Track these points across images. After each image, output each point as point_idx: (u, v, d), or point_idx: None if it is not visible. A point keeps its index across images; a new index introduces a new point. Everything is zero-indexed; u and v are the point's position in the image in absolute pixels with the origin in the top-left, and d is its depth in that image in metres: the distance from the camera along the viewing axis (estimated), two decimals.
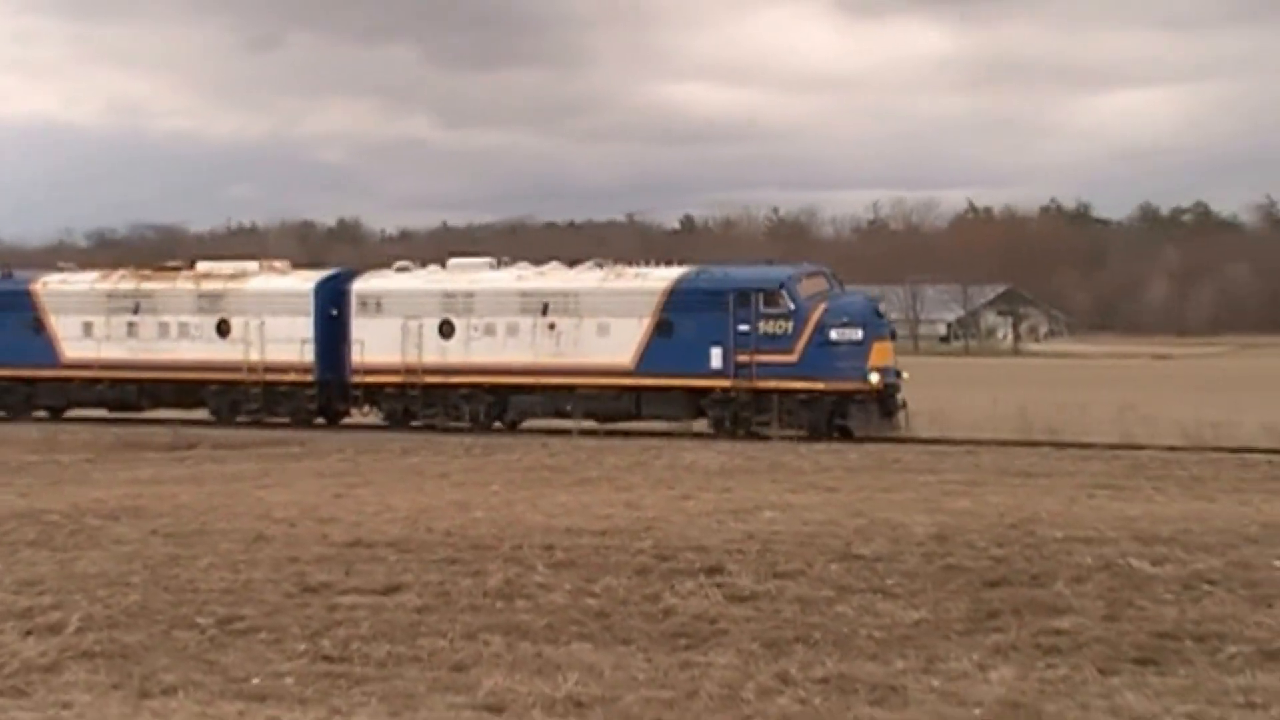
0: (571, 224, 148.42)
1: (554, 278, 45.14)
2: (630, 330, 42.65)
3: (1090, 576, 17.89)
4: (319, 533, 21.90)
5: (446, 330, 44.57)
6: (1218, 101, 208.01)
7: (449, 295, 44.94)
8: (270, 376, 45.89)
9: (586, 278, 44.65)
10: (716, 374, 41.67)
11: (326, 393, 46.13)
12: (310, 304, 46.17)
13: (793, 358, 40.97)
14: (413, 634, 15.14)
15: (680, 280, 43.16)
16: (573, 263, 46.19)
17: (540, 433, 42.96)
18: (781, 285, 41.82)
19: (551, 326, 43.49)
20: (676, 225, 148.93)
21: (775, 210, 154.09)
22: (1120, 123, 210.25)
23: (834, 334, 40.95)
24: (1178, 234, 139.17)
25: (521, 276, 45.38)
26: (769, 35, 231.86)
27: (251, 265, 48.78)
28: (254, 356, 45.85)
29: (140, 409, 48.02)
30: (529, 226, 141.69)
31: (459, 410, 44.31)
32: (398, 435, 42.11)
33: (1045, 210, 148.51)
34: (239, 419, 45.92)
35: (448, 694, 12.81)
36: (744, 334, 41.35)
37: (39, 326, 48.65)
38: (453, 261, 47.09)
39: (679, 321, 42.39)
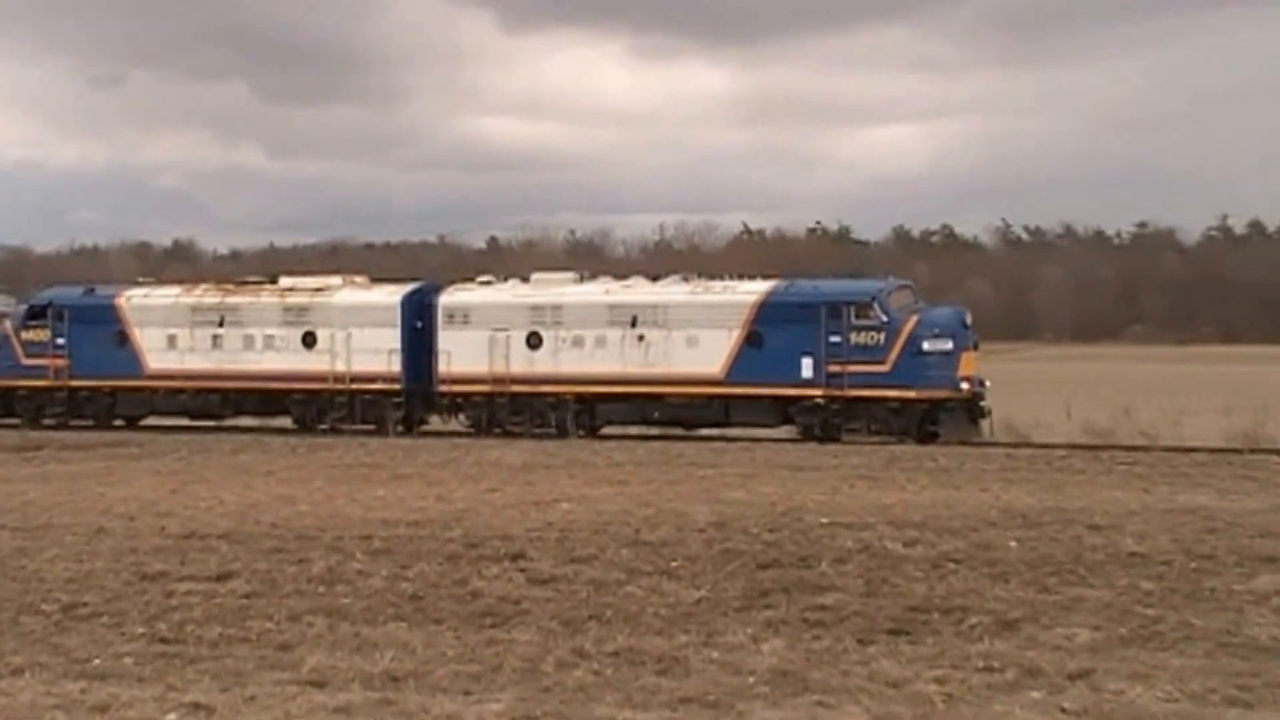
0: (388, 244, 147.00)
1: (642, 291, 43.16)
2: (720, 341, 40.96)
3: (851, 558, 18.16)
4: (156, 526, 21.54)
5: (534, 341, 42.62)
6: (960, 136, 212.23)
7: (537, 308, 42.99)
8: (356, 386, 43.89)
9: (675, 291, 42.62)
10: (808, 383, 39.91)
11: (411, 401, 44.21)
12: (397, 316, 44.14)
13: (885, 367, 39.35)
14: (242, 617, 14.95)
15: (770, 293, 41.42)
16: (655, 277, 44.35)
17: (361, 434, 42.61)
18: (873, 298, 40.18)
19: (640, 338, 41.65)
20: (483, 245, 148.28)
21: (572, 232, 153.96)
22: (877, 155, 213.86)
23: (926, 345, 39.41)
24: (927, 253, 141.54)
25: (609, 290, 43.44)
26: (569, 75, 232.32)
27: (334, 279, 46.64)
28: (340, 366, 43.92)
29: (222, 417, 45.78)
30: (349, 247, 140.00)
31: (545, 418, 42.40)
32: (227, 438, 41.47)
33: (811, 232, 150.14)
34: (321, 426, 43.70)
35: (274, 671, 12.68)
36: (836, 344, 39.71)
37: (123, 339, 46.25)
38: (536, 276, 45.12)
39: (769, 333, 40.63)
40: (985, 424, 39.60)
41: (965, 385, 39.25)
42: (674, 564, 17.83)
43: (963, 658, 12.93)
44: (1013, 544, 19.19)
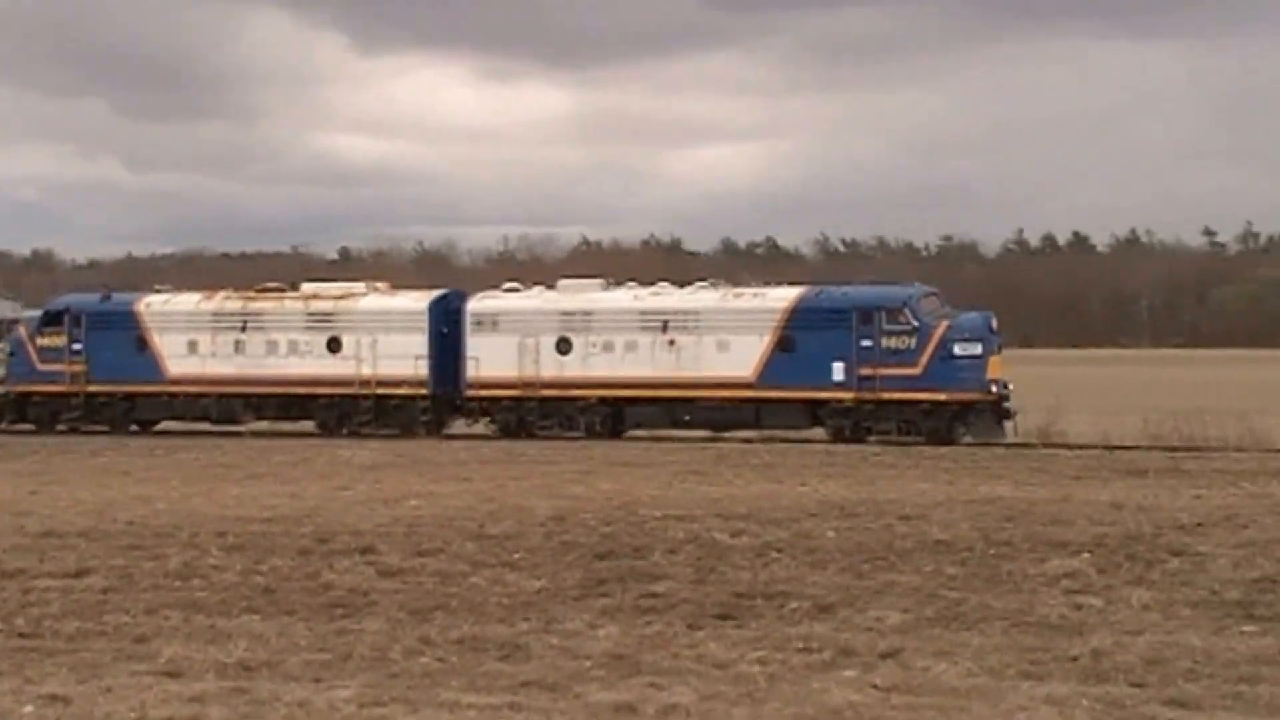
0: (243, 254, 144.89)
1: (672, 297, 41.89)
2: (751, 346, 39.74)
3: (681, 548, 18.26)
4: (15, 525, 20.99)
5: (564, 347, 41.30)
6: (783, 155, 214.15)
7: (567, 314, 41.73)
8: (382, 390, 42.31)
9: (705, 297, 41.53)
10: (839, 386, 38.84)
11: (438, 405, 42.76)
12: (425, 321, 42.71)
13: (916, 371, 38.33)
14: (99, 611, 14.62)
15: (801, 299, 40.42)
16: (682, 284, 43.15)
17: (216, 435, 42.01)
18: (905, 303, 39.29)
19: (671, 343, 40.46)
20: (335, 255, 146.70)
21: (420, 243, 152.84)
22: (706, 171, 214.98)
23: (957, 349, 38.45)
24: (753, 264, 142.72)
25: (639, 296, 42.16)
26: (418, 95, 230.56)
27: (358, 286, 45.25)
28: (366, 371, 42.37)
29: (243, 421, 43.66)
30: (205, 256, 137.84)
31: (573, 421, 41.16)
32: (87, 439, 40.63)
33: (646, 244, 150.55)
34: (345, 430, 42.24)
35: (131, 663, 12.42)
36: (867, 349, 38.66)
37: (142, 344, 44.41)
38: (563, 282, 43.80)
39: (801, 337, 39.59)
40: (1009, 425, 38.77)
41: (993, 388, 38.45)
42: (516, 556, 17.79)
43: (784, 640, 13.02)
44: (830, 533, 19.43)
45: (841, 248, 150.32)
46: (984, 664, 11.98)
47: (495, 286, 44.49)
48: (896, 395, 38.42)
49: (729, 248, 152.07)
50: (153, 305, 45.31)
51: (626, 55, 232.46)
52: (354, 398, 42.55)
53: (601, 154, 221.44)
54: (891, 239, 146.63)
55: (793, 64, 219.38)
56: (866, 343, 38.61)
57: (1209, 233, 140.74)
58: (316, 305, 43.90)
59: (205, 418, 44.08)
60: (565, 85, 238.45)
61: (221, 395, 43.59)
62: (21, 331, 45.97)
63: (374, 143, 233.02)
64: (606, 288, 43.11)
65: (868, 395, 38.60)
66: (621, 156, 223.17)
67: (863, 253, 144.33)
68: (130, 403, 44.67)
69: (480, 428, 42.78)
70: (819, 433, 39.21)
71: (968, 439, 37.93)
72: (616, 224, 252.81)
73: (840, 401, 38.89)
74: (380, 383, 42.24)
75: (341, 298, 44.07)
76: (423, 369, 42.05)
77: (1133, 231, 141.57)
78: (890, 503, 22.92)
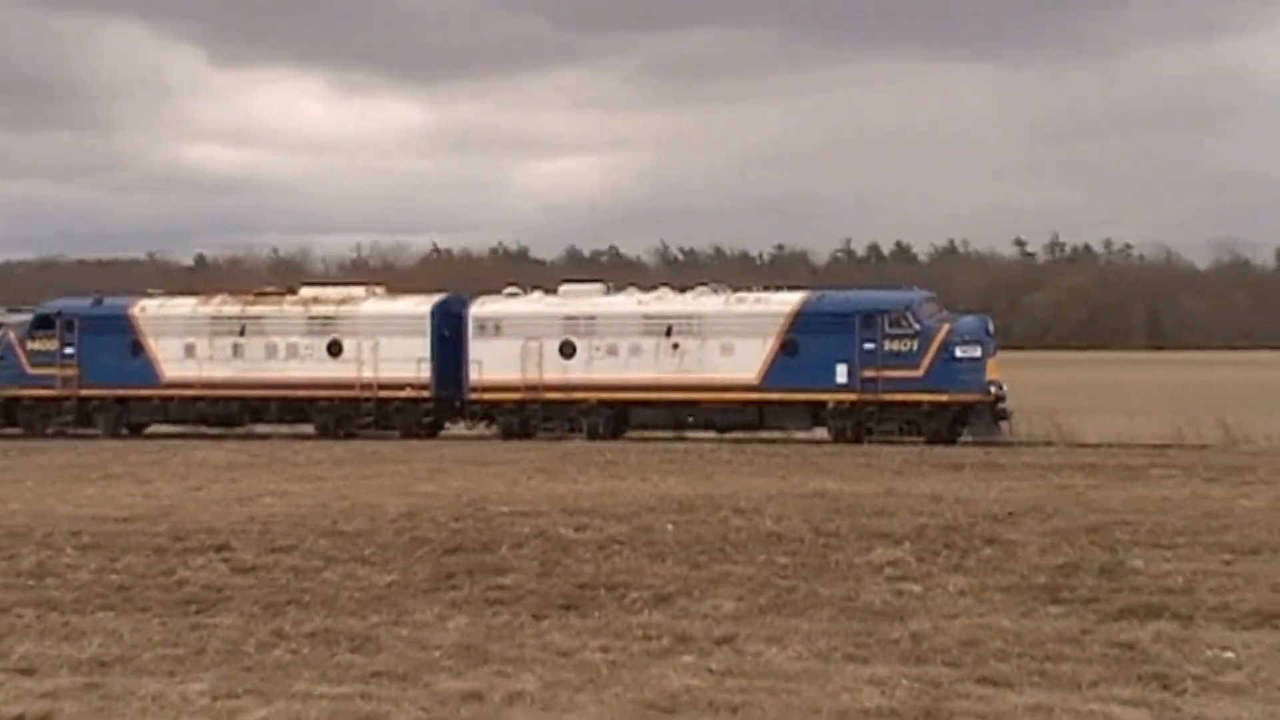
0: (99, 261, 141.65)
1: (676, 302, 41.13)
2: (755, 349, 39.11)
3: (528, 543, 18.20)
4: None
5: (568, 350, 40.44)
6: (626, 168, 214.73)
7: (570, 318, 40.89)
8: (384, 393, 41.24)
9: (709, 302, 40.71)
10: (842, 388, 38.30)
11: (440, 408, 41.93)
12: (427, 325, 41.63)
13: (918, 373, 37.91)
14: None
15: (804, 304, 39.77)
16: (683, 289, 42.30)
17: (77, 438, 41.05)
18: (908, 307, 38.86)
19: (675, 346, 39.76)
20: (191, 262, 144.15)
21: (275, 250, 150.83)
22: (552, 183, 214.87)
23: (958, 351, 38.08)
24: (596, 271, 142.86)
25: (642, 301, 41.44)
26: (274, 107, 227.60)
27: (358, 290, 44.05)
28: (367, 374, 41.26)
29: (241, 424, 42.60)
30: (60, 263, 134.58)
31: (576, 423, 40.36)
32: None
33: (494, 251, 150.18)
34: (344, 432, 41.07)
35: None
36: (870, 351, 38.13)
37: (137, 349, 42.90)
38: (564, 288, 42.99)
39: (804, 341, 38.97)
40: (1005, 425, 38.54)
41: (992, 389, 38.26)
42: (368, 551, 17.60)
43: (625, 628, 13.04)
44: (669, 527, 19.48)
45: (680, 256, 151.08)
46: (812, 648, 12.10)
47: (495, 291, 43.70)
48: (899, 397, 38.09)
49: (574, 256, 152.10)
50: (148, 309, 43.93)
51: (478, 71, 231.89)
52: (355, 400, 41.59)
53: (452, 166, 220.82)
54: (727, 248, 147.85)
55: (635, 82, 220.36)
56: (869, 346, 38.24)
57: (1020, 243, 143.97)
58: (317, 309, 42.79)
59: (202, 421, 42.94)
60: (418, 100, 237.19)
61: (219, 399, 42.39)
62: (11, 336, 44.24)
63: (230, 153, 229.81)
64: (606, 293, 42.48)
65: (870, 397, 38.23)
66: (471, 168, 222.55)
67: (700, 261, 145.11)
68: (124, 406, 43.27)
69: (479, 430, 42.14)
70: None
71: (967, 438, 37.80)
72: (466, 233, 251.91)
73: (843, 403, 38.50)
74: (382, 386, 41.34)
75: (342, 302, 43.05)
76: (425, 372, 41.25)
77: (951, 242, 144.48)
78: (726, 497, 23.06)
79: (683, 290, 42.00)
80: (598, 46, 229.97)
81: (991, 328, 39.62)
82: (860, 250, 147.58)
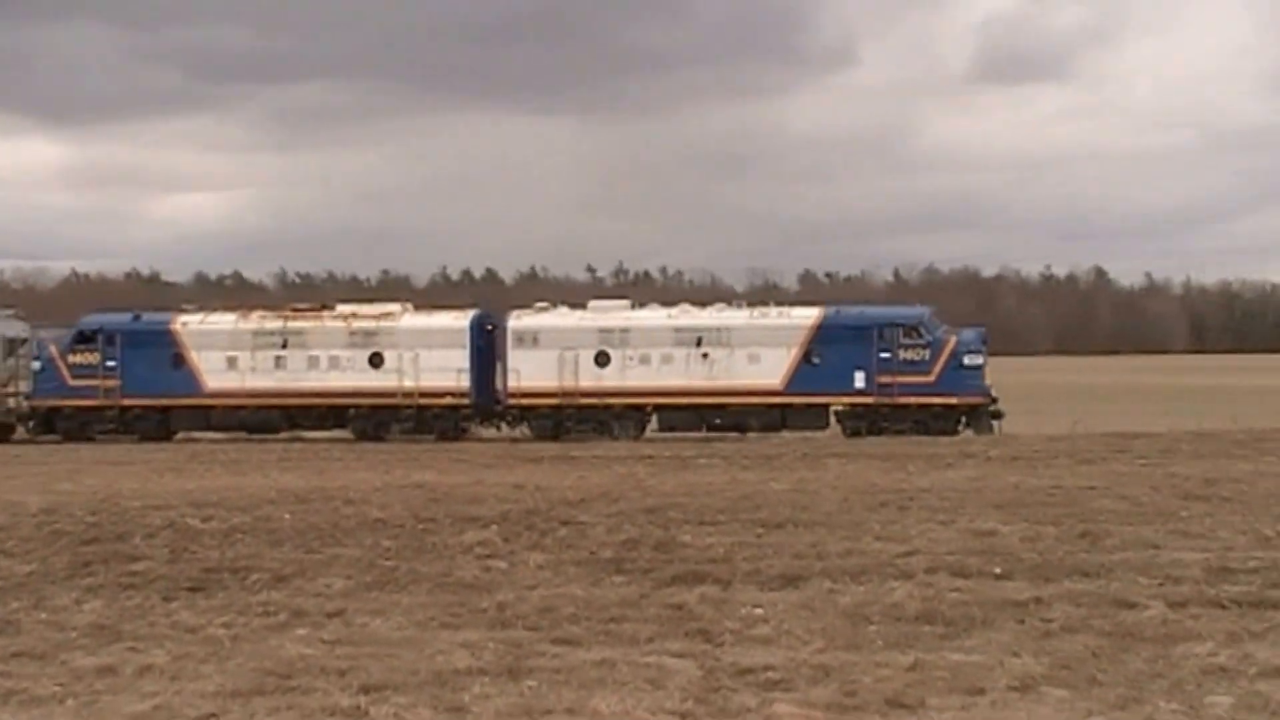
0: None
1: (704, 315, 39.82)
2: (779, 358, 38.24)
3: (159, 533, 17.56)
4: None
5: (602, 360, 38.84)
6: (249, 201, 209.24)
7: (605, 330, 39.24)
8: (425, 401, 39.07)
9: (736, 315, 39.64)
10: (860, 393, 37.79)
11: (478, 414, 39.77)
12: (466, 338, 39.60)
13: (930, 379, 37.60)
14: None
15: (825, 317, 39.03)
16: (703, 304, 41.53)
17: None
18: (920, 321, 38.62)
19: (705, 355, 38.52)
20: None
21: None
22: (184, 215, 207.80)
23: (966, 359, 37.86)
24: (222, 294, 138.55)
25: (672, 315, 39.94)
26: None
27: (394, 306, 41.69)
28: (408, 384, 38.86)
29: (279, 431, 39.68)
30: None
31: (607, 426, 38.51)
32: None
33: (128, 276, 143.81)
34: (384, 437, 38.57)
35: None
36: (886, 360, 37.68)
37: (179, 361, 39.97)
38: (594, 303, 41.58)
39: (824, 350, 38.24)
40: (996, 425, 38.08)
41: (991, 392, 38.30)
42: (9, 544, 16.60)
43: (246, 606, 12.81)
44: (287, 516, 19.12)
45: (297, 279, 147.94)
46: (412, 618, 12.18)
47: (526, 306, 41.85)
48: (912, 400, 37.90)
49: (201, 279, 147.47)
50: (190, 324, 40.86)
51: (122, 117, 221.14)
52: (395, 407, 39.37)
53: (93, 200, 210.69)
54: (339, 272, 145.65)
55: (258, 127, 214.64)
56: (885, 355, 38.05)
57: (591, 269, 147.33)
58: (358, 324, 40.30)
59: (242, 428, 39.91)
60: (64, 141, 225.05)
61: (261, 407, 39.66)
62: (52, 349, 40.60)
63: None
64: (633, 307, 41.35)
65: (886, 400, 37.95)
66: (110, 202, 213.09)
67: (315, 283, 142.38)
68: (164, 415, 40.02)
69: (514, 431, 40.25)
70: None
71: (969, 433, 37.63)
72: (105, 259, 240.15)
73: (861, 406, 38.23)
74: (423, 394, 39.25)
75: (382, 317, 40.62)
76: (465, 381, 39.48)
77: (532, 267, 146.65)
78: (337, 490, 22.78)
79: (703, 306, 41.63)
80: (224, 96, 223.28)
81: (987, 338, 40.08)
82: (455, 275, 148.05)
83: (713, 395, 38.91)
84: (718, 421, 38.84)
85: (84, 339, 41.42)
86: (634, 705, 9.16)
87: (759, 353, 38.90)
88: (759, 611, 12.14)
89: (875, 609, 12.13)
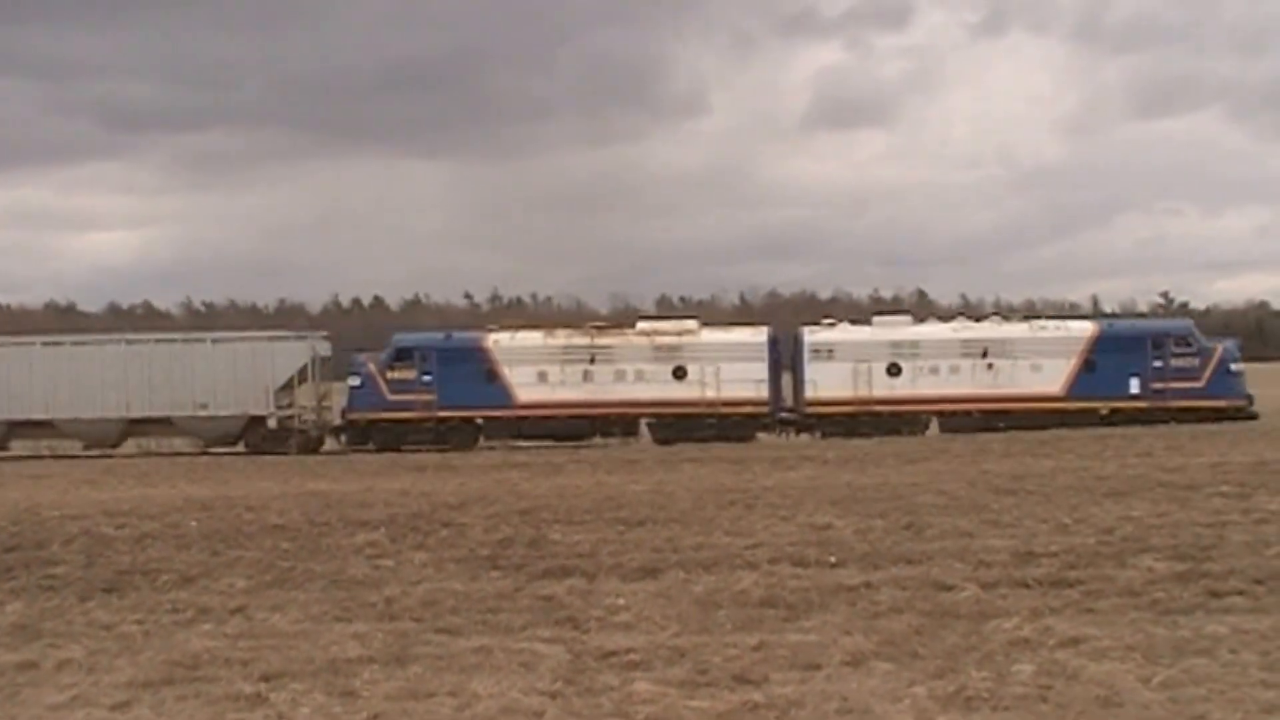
0: None
1: (985, 329, 39.12)
2: (1059, 367, 37.58)
3: (76, 540, 17.09)
4: None
5: (894, 370, 37.96)
6: (160, 239, 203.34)
7: (896, 344, 38.21)
8: (726, 409, 37.96)
9: (1018, 328, 39.04)
10: (1135, 397, 37.23)
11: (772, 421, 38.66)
12: (764, 352, 38.47)
13: (1200, 384, 37.02)
14: None
15: (1100, 330, 38.61)
16: (978, 319, 41.18)
17: None
18: (1189, 332, 38.20)
19: (989, 365, 37.74)
20: None
21: None
22: (98, 251, 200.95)
23: (1233, 366, 37.28)
24: (134, 323, 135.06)
25: (956, 329, 39.09)
26: None
27: (690, 323, 40.12)
28: (710, 394, 37.89)
29: (585, 438, 38.11)
30: None
31: (898, 430, 37.04)
32: None
33: (47, 306, 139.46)
34: (685, 440, 36.75)
35: None
36: (1158, 368, 37.14)
37: (492, 375, 38.43)
38: (878, 319, 40.04)
39: (1101, 360, 37.56)
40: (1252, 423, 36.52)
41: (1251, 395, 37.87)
42: None
43: (156, 605, 12.61)
44: (194, 523, 18.73)
45: (203, 308, 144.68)
46: (308, 613, 12.08)
47: (816, 322, 40.57)
48: (1184, 404, 37.27)
49: (114, 309, 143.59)
50: (501, 342, 39.11)
51: (38, 162, 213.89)
52: (697, 416, 38.26)
53: (13, 238, 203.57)
54: (240, 300, 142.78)
55: (167, 171, 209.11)
56: (1158, 363, 37.56)
57: (469, 296, 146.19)
58: (661, 340, 38.88)
59: (551, 436, 38.37)
60: None
61: (570, 417, 38.42)
62: (370, 366, 38.63)
63: None
64: (915, 323, 40.24)
65: (1159, 404, 37.34)
66: (29, 240, 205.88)
67: (218, 311, 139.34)
68: (477, 426, 38.64)
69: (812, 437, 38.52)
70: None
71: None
72: (23, 293, 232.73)
73: (1137, 409, 37.38)
74: (725, 403, 38.16)
75: (682, 333, 39.25)
76: (764, 391, 38.48)
77: (416, 295, 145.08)
78: (239, 498, 22.33)
79: (978, 320, 41.13)
80: (136, 143, 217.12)
81: (1242, 347, 39.43)
82: (346, 302, 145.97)
83: (996, 401, 38.41)
84: (1001, 425, 37.40)
85: (401, 356, 39.55)
86: (509, 687, 9.21)
87: (1041, 362, 38.39)
88: (621, 601, 12.22)
89: (724, 596, 12.29)
